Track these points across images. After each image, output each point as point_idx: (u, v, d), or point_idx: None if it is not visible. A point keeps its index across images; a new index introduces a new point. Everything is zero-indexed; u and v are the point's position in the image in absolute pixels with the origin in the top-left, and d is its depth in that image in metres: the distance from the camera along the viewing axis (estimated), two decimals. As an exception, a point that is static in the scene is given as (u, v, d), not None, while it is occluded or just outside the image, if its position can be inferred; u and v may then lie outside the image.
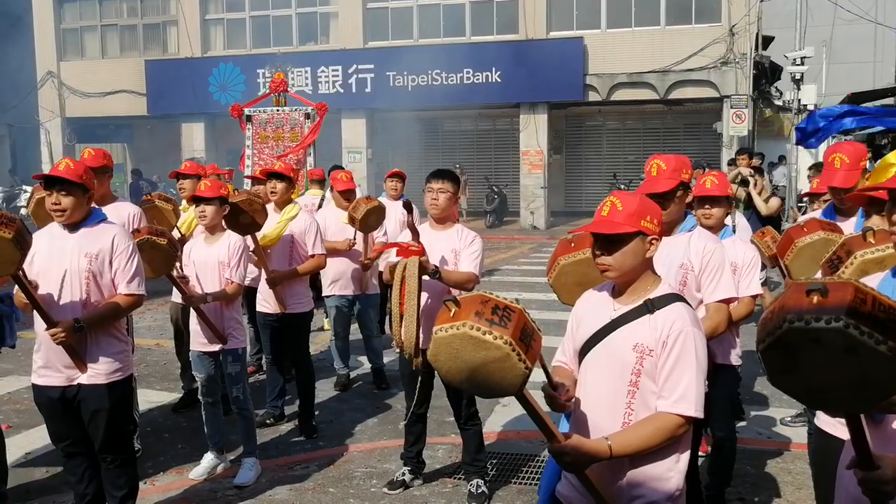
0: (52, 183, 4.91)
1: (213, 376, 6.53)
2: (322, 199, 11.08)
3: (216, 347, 6.43)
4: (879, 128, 18.63)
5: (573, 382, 3.44)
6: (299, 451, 7.20)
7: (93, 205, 5.24)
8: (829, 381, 2.21)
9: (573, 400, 3.37)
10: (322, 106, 13.34)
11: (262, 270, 7.35)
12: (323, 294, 8.93)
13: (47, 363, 5.04)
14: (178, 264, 6.33)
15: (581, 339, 3.42)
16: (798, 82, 27.67)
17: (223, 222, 6.54)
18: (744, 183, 12.56)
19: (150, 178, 31.50)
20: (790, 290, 2.28)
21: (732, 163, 17.04)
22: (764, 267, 7.39)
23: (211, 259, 6.40)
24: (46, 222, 5.29)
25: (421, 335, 5.67)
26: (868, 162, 5.26)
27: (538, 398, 3.10)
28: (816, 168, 11.59)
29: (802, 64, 27.65)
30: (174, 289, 7.65)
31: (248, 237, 6.97)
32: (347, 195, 8.88)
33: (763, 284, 10.55)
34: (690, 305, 3.36)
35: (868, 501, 2.52)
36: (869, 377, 2.16)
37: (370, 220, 8.34)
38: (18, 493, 6.27)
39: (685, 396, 3.14)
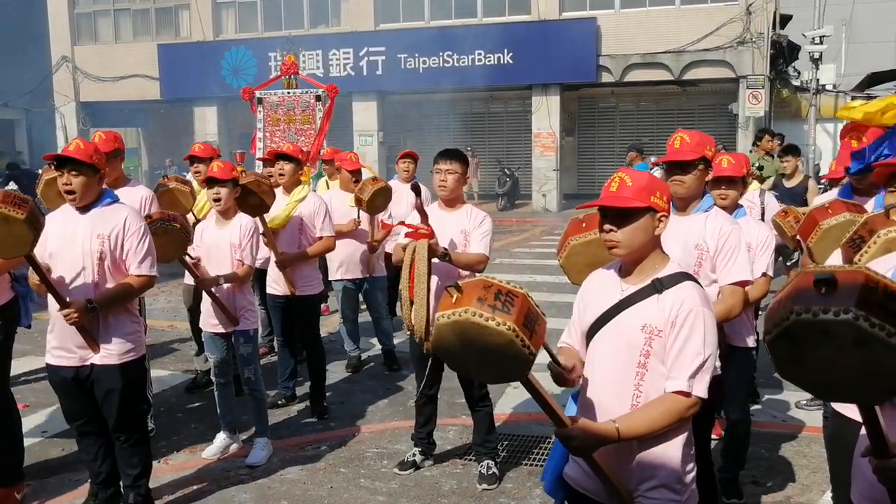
0: (63, 163, 4.93)
1: (226, 357, 6.56)
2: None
3: (228, 328, 6.45)
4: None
5: (580, 364, 3.41)
6: (311, 431, 7.24)
7: (104, 186, 5.26)
8: (838, 373, 2.16)
9: (581, 378, 3.36)
10: (332, 88, 13.32)
11: (272, 252, 7.36)
12: (330, 277, 8.94)
13: (61, 343, 5.10)
14: (190, 248, 6.34)
15: (588, 320, 3.37)
16: (816, 62, 27.45)
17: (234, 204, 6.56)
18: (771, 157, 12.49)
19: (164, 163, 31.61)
20: (798, 279, 2.22)
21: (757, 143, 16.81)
22: (783, 250, 7.36)
23: (223, 241, 6.41)
24: (55, 203, 5.31)
25: (432, 318, 5.66)
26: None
27: (544, 382, 3.07)
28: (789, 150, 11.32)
29: (821, 43, 27.42)
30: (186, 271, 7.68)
31: (257, 219, 6.96)
32: (355, 176, 8.85)
33: (794, 267, 10.55)
34: (700, 284, 3.31)
35: (884, 490, 2.48)
36: (880, 370, 2.10)
37: (377, 201, 8.30)
38: (35, 470, 6.32)
39: (695, 377, 3.10)
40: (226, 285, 6.37)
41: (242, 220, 6.48)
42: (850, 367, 2.12)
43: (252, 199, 6.81)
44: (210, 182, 6.38)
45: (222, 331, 6.47)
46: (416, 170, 10.02)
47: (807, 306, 2.12)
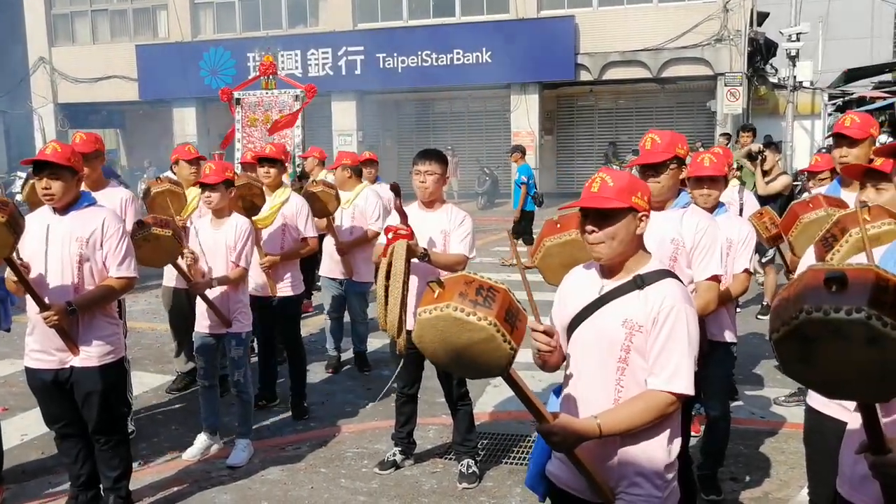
0: (40, 167, 4.91)
1: (213, 358, 6.56)
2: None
3: (221, 330, 6.46)
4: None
5: (560, 357, 3.43)
6: (291, 432, 7.25)
7: (83, 188, 5.25)
8: (847, 371, 2.15)
9: (563, 359, 3.38)
10: (311, 88, 13.28)
11: (256, 253, 7.33)
12: (319, 273, 8.97)
13: (40, 346, 5.08)
14: (184, 251, 6.30)
15: (568, 316, 3.36)
16: (793, 59, 27.56)
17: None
18: (751, 158, 12.50)
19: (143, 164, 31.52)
20: (806, 277, 2.20)
21: (728, 138, 16.76)
22: (757, 246, 7.42)
23: (219, 243, 6.41)
24: (40, 206, 5.29)
25: (409, 318, 5.67)
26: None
27: (526, 378, 3.09)
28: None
29: (798, 40, 27.54)
30: (166, 273, 7.65)
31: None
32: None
33: (770, 263, 10.61)
34: (681, 281, 3.31)
35: (874, 482, 2.50)
36: (891, 368, 2.09)
37: (315, 206, 7.99)
38: (14, 473, 6.32)
39: (677, 374, 3.10)
40: (221, 287, 6.38)
41: (238, 222, 6.48)
42: (859, 366, 2.11)
43: (242, 203, 6.80)
44: (203, 186, 6.35)
45: (214, 332, 6.47)
46: (377, 171, 9.92)
47: (817, 305, 2.10)
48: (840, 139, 5.17)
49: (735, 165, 11.96)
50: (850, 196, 5.05)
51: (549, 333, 3.25)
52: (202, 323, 6.51)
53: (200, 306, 6.48)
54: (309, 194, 8.02)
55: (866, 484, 2.63)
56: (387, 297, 5.62)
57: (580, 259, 3.55)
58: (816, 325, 2.11)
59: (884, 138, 16.21)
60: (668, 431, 3.25)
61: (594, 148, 31.79)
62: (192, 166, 8.07)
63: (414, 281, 5.76)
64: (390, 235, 5.66)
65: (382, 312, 5.66)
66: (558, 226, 4.56)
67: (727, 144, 18.64)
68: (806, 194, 6.37)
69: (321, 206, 8.13)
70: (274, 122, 12.63)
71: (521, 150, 16.89)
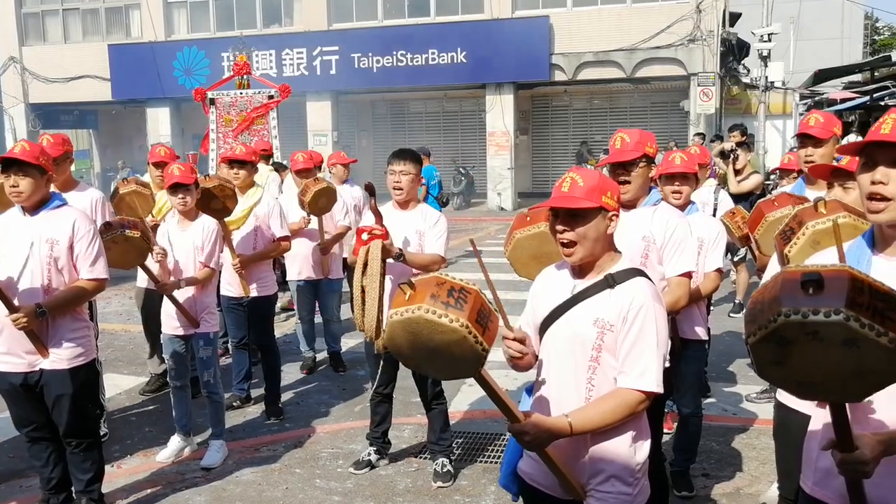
0: (8, 165, 4.88)
1: (183, 359, 6.53)
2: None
3: (189, 331, 6.43)
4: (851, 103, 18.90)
5: (532, 359, 3.44)
6: (266, 432, 7.22)
7: (53, 189, 5.21)
8: (823, 372, 2.17)
9: (535, 360, 3.39)
10: (285, 87, 13.27)
11: (228, 254, 7.31)
12: (287, 277, 8.94)
13: (9, 349, 5.02)
14: (153, 250, 6.28)
15: (541, 315, 3.38)
16: (765, 59, 27.75)
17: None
18: (723, 157, 12.55)
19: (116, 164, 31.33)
20: (782, 279, 2.22)
21: (719, 139, 16.74)
22: (729, 245, 7.48)
23: (186, 244, 6.38)
24: (9, 207, 5.26)
25: (384, 318, 5.65)
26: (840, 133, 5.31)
27: (497, 378, 3.09)
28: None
29: (770, 41, 27.74)
30: (139, 274, 7.60)
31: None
32: (305, 176, 8.80)
33: (741, 261, 10.68)
34: (652, 280, 3.33)
35: (839, 477, 2.52)
36: (866, 369, 2.12)
37: (320, 202, 8.19)
38: (-15, 478, 6.26)
39: (646, 372, 3.12)
40: (188, 288, 6.35)
41: (205, 223, 6.45)
42: (836, 367, 2.13)
43: (214, 204, 6.77)
44: (176, 187, 6.31)
45: (182, 333, 6.44)
46: (347, 173, 9.91)
47: (795, 307, 2.11)
48: (805, 139, 5.23)
49: (715, 167, 12.02)
50: (814, 194, 5.11)
51: (520, 340, 3.27)
52: (169, 324, 6.47)
53: (167, 307, 6.45)
54: (321, 190, 8.11)
55: (829, 479, 2.66)
56: (363, 298, 5.61)
57: (549, 251, 3.56)
58: (794, 328, 2.12)
59: (852, 137, 16.35)
60: (637, 429, 3.28)
61: (569, 148, 31.90)
62: (157, 169, 7.99)
63: (388, 282, 5.75)
64: (365, 236, 5.65)
65: (360, 314, 5.64)
66: (528, 219, 4.61)
67: (702, 143, 18.76)
68: (773, 191, 6.43)
69: (325, 204, 8.27)
70: (240, 123, 12.63)
71: (424, 153, 16.79)
